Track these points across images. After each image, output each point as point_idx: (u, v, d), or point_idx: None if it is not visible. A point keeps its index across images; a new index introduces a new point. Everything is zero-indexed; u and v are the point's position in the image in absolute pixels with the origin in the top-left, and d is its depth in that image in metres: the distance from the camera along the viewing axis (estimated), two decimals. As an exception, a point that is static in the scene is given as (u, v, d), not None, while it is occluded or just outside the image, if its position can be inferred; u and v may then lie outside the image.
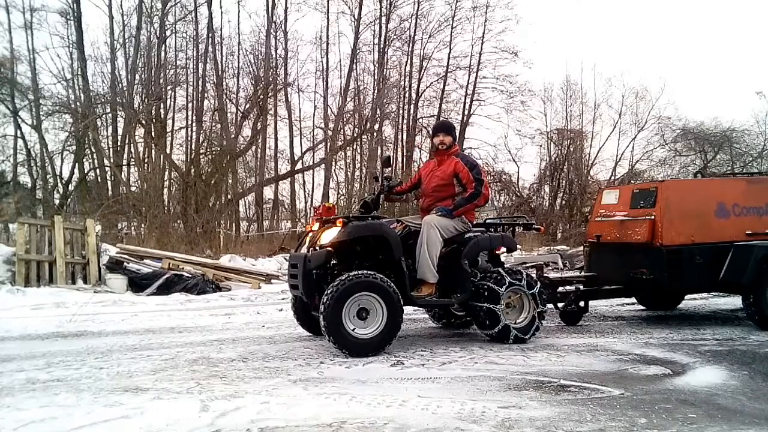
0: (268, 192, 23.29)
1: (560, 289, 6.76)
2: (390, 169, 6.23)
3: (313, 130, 24.52)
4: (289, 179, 23.69)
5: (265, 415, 3.33)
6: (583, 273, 7.37)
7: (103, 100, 20.68)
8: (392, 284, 4.95)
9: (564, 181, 28.35)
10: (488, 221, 6.41)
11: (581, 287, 6.84)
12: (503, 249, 5.99)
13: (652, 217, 6.14)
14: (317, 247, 5.21)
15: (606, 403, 3.60)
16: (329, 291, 4.80)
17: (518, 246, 6.69)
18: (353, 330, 4.86)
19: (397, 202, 7.45)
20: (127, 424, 3.21)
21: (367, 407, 3.49)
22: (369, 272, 4.94)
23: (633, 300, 8.75)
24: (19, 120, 19.71)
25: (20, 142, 20.09)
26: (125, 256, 11.14)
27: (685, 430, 3.17)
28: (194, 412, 3.40)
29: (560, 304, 6.62)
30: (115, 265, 10.62)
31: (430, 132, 5.96)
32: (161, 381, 4.11)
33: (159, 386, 3.96)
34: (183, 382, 4.07)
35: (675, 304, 7.97)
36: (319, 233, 5.30)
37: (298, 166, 23.68)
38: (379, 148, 24.64)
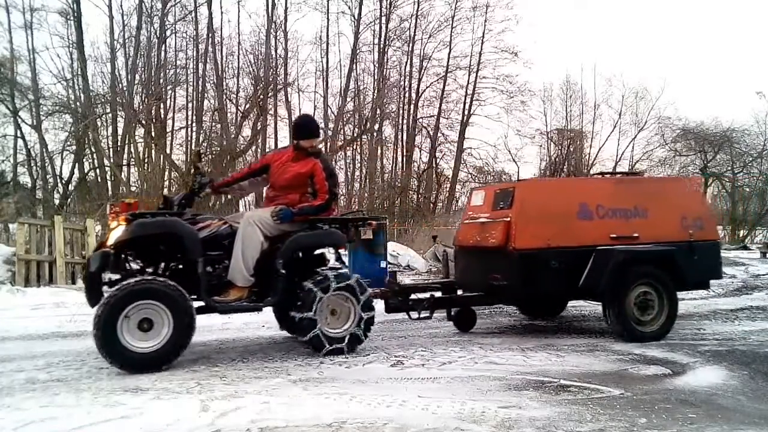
0: (268, 192, 23.28)
1: (413, 296, 6.12)
2: (201, 163, 5.74)
3: (313, 130, 24.50)
4: (289, 179, 23.66)
5: (265, 415, 3.33)
6: (440, 279, 6.82)
7: (103, 100, 20.73)
8: (180, 289, 4.38)
9: (564, 181, 28.35)
10: (340, 218, 5.76)
11: (436, 294, 6.25)
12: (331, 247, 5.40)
13: (508, 219, 5.68)
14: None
15: (606, 403, 3.60)
16: (103, 300, 4.26)
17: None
18: (131, 343, 4.26)
19: (230, 194, 6.68)
20: (127, 424, 3.21)
21: (367, 407, 3.49)
22: (152, 277, 4.45)
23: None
24: (19, 120, 19.78)
25: (20, 142, 20.20)
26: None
27: (685, 430, 3.17)
28: (194, 412, 3.40)
29: (413, 313, 5.95)
30: (115, 265, 10.59)
31: (294, 130, 5.28)
32: (161, 381, 4.11)
33: (159, 386, 3.96)
34: (183, 382, 4.07)
35: (557, 312, 7.36)
36: (109, 232, 4.80)
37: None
38: (378, 148, 24.68)
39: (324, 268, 5.08)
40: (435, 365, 4.63)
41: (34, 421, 3.26)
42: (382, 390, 3.89)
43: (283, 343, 5.63)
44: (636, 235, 5.74)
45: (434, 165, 26.51)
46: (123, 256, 4.72)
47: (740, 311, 7.56)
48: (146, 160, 20.14)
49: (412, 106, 25.99)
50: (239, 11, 33.02)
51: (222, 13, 23.62)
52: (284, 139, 23.69)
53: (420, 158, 27.01)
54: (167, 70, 21.35)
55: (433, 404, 3.54)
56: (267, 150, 22.58)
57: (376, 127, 24.51)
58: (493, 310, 7.78)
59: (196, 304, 4.63)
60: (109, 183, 20.20)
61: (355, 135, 24.30)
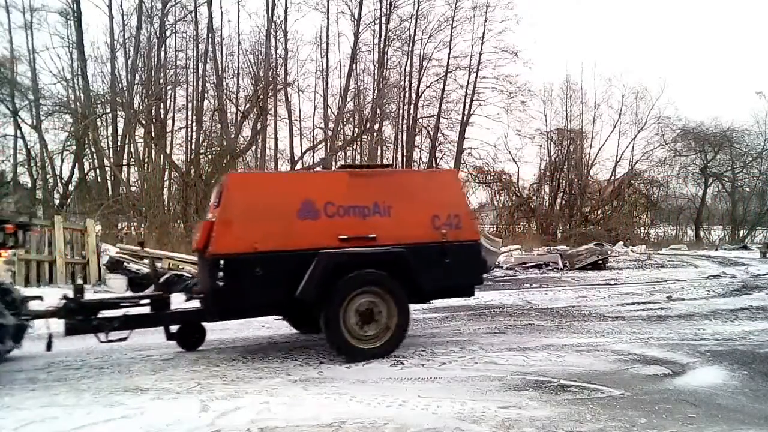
0: (268, 192, 23.26)
1: (103, 313, 5.00)
2: None
3: (313, 130, 24.58)
4: (289, 179, 23.64)
5: (265, 415, 3.33)
6: (150, 291, 5.62)
7: (103, 100, 20.71)
8: None
9: (564, 181, 28.42)
10: None
11: (132, 311, 5.12)
12: None
13: (214, 218, 4.96)
14: None
15: (606, 403, 3.61)
16: None
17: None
18: None
19: None
20: (127, 424, 3.22)
21: (367, 407, 3.49)
22: None
23: (634, 300, 8.76)
24: (19, 120, 19.74)
25: (20, 142, 20.13)
26: (125, 256, 11.14)
27: (685, 430, 3.17)
28: (194, 412, 3.40)
29: (102, 335, 4.82)
30: (115, 265, 10.62)
31: None
32: (161, 381, 4.12)
33: (159, 386, 3.97)
34: (183, 382, 4.07)
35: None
36: None
37: (298, 166, 23.68)
38: (379, 148, 24.67)
39: None
40: (435, 365, 4.63)
41: (34, 420, 3.27)
42: (382, 390, 3.89)
43: (283, 343, 5.63)
44: (373, 235, 4.99)
45: (434, 165, 26.52)
46: None
47: (740, 311, 7.56)
48: (146, 160, 20.14)
49: (412, 106, 26.00)
50: (239, 11, 33.15)
51: (222, 13, 23.65)
52: (284, 139, 23.75)
53: (420, 158, 27.03)
54: (167, 70, 21.35)
55: (433, 404, 3.54)
56: (267, 150, 22.61)
57: (376, 127, 24.51)
58: (494, 310, 7.78)
59: None
60: (109, 183, 20.20)
61: (355, 135, 24.30)
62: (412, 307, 7.76)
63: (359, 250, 4.92)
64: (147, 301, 5.20)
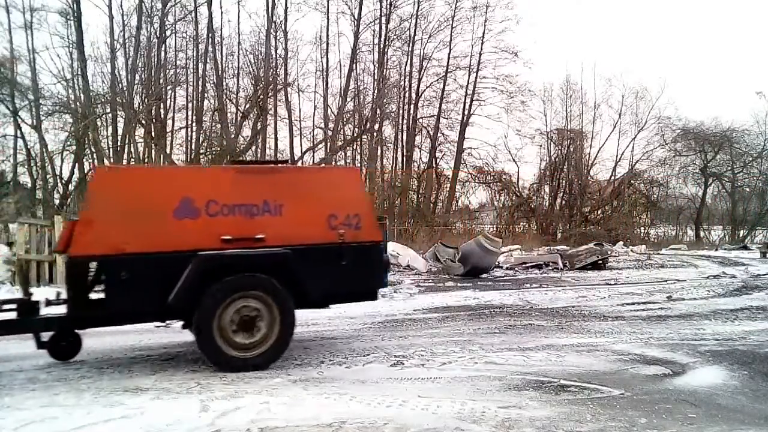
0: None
1: None
2: None
3: (313, 130, 24.61)
4: (289, 179, 23.64)
5: (265, 415, 3.34)
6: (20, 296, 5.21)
7: (103, 100, 20.71)
8: None
9: (564, 181, 28.41)
10: None
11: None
12: None
13: (78, 218, 4.64)
14: None
15: (606, 403, 3.61)
16: None
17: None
18: None
19: None
20: (127, 424, 3.22)
21: (367, 407, 3.49)
22: None
23: (634, 300, 8.76)
24: (19, 120, 19.75)
25: (20, 142, 20.15)
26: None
27: (685, 430, 3.18)
28: (194, 412, 3.40)
29: None
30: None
31: None
32: (161, 381, 4.12)
33: (159, 386, 3.97)
34: (183, 382, 4.07)
35: None
36: None
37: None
38: (379, 148, 24.68)
39: None
40: (435, 365, 4.63)
41: (34, 420, 3.27)
42: (382, 390, 3.89)
43: (283, 343, 5.62)
44: (261, 236, 4.65)
45: (434, 165, 26.54)
46: None
47: (740, 311, 7.56)
48: (146, 160, 20.15)
49: (412, 106, 26.01)
50: (239, 11, 33.21)
51: (222, 13, 23.70)
52: (284, 139, 23.77)
53: (420, 158, 27.07)
54: (167, 70, 21.37)
55: (433, 404, 3.54)
56: (267, 150, 22.61)
57: (376, 127, 24.52)
58: (494, 310, 7.79)
59: None
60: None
61: (355, 135, 24.31)
62: (413, 307, 7.79)
63: (239, 251, 4.55)
64: (12, 306, 4.72)
